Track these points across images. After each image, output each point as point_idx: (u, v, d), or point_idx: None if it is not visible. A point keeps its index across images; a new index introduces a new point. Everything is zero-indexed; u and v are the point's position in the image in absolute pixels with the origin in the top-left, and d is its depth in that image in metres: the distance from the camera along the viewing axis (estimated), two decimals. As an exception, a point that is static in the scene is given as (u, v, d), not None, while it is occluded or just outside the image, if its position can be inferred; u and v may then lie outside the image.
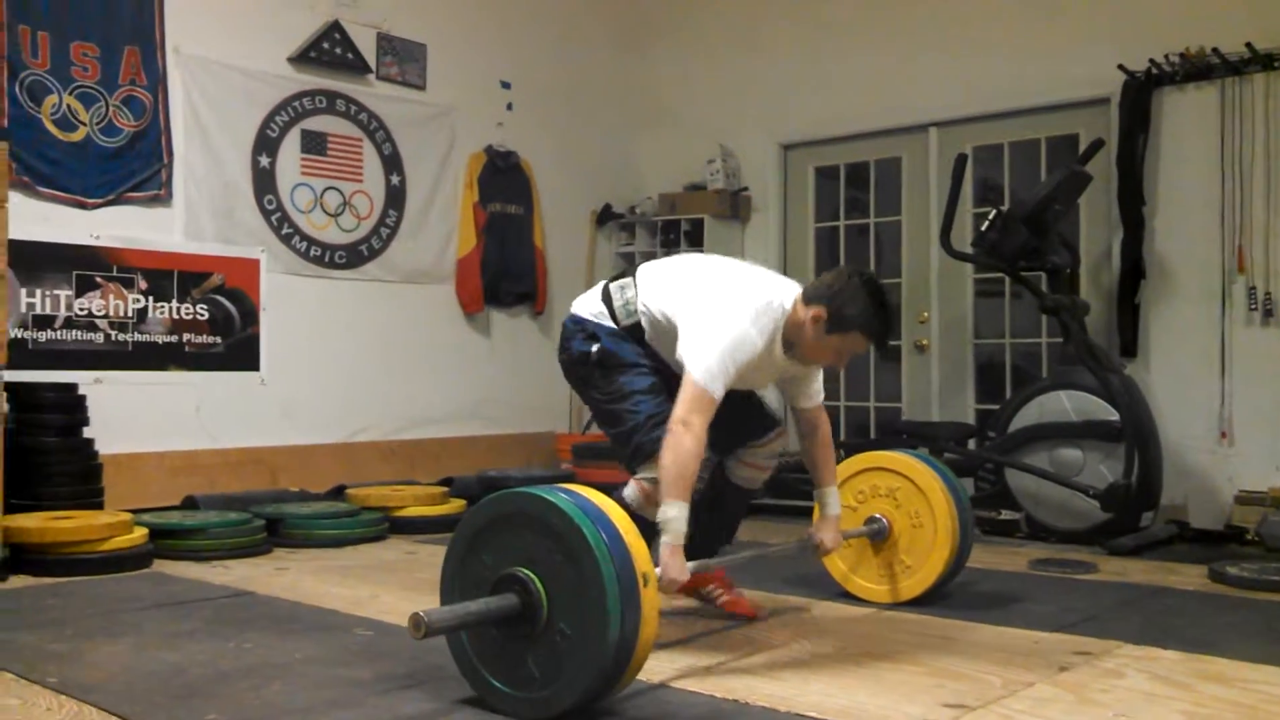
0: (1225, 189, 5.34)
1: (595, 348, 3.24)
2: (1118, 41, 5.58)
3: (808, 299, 3.06)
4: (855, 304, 3.00)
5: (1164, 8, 5.51)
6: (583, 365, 3.28)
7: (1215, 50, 5.29)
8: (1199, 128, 5.42)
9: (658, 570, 2.62)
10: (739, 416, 3.35)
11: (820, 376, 3.38)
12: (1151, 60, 5.45)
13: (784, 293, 3.11)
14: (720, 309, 3.03)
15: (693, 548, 3.38)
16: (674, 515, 2.88)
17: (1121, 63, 5.51)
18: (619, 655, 2.41)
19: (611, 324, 3.28)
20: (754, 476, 3.49)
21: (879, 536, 3.75)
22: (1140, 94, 5.50)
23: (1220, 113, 5.36)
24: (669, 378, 3.15)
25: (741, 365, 2.99)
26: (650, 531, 2.98)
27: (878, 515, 3.75)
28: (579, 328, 3.32)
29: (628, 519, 2.54)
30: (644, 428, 3.13)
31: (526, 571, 2.48)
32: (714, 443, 3.23)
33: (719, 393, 2.95)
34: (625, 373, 3.22)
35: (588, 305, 3.36)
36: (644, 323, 3.24)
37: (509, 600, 2.47)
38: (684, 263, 3.37)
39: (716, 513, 3.48)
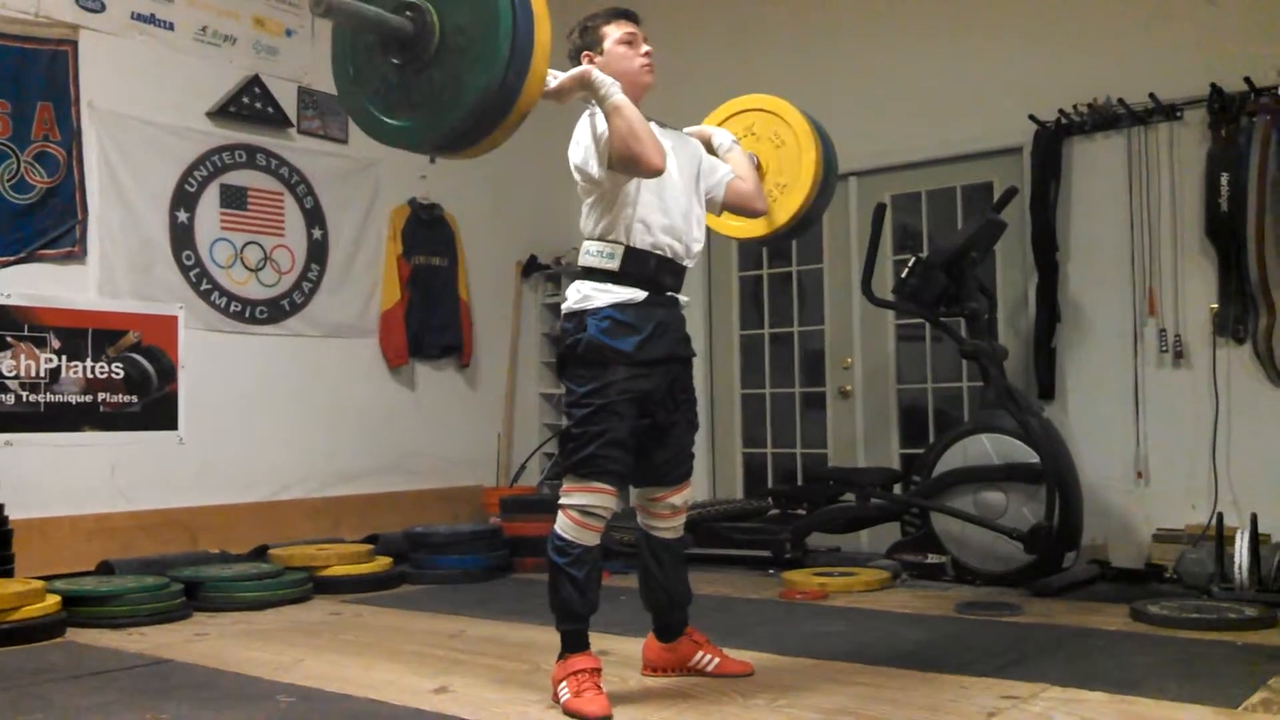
0: (1134, 233, 5.49)
1: (582, 338, 3.13)
2: (1028, 93, 5.73)
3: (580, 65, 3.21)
4: (576, 30, 3.30)
5: (1072, 60, 5.68)
6: (571, 352, 3.17)
7: (1121, 100, 5.46)
8: (1108, 175, 5.58)
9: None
10: (661, 455, 3.34)
11: (724, 165, 3.52)
12: (1061, 110, 5.61)
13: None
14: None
15: (666, 621, 3.44)
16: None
17: (1032, 113, 5.67)
18: (515, 57, 2.49)
19: (608, 284, 3.16)
20: (670, 526, 3.40)
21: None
22: (1051, 143, 5.66)
23: (1127, 160, 5.52)
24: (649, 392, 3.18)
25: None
26: (586, 580, 3.03)
27: (750, 154, 3.76)
28: (568, 320, 3.23)
29: None
30: (596, 442, 3.07)
31: None
32: (634, 474, 3.32)
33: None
34: (603, 391, 3.11)
35: (575, 292, 3.24)
36: (615, 234, 3.18)
37: (403, 22, 2.56)
38: None
39: (662, 574, 3.40)
